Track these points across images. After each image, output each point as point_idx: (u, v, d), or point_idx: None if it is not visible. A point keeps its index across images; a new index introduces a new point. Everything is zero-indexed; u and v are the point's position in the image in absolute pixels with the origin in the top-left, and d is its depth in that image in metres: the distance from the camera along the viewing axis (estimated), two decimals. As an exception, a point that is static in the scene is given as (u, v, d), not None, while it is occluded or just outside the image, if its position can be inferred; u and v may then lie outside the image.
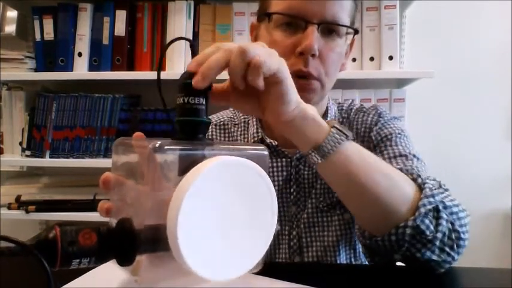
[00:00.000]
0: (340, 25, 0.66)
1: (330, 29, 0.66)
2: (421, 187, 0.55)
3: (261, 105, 0.50)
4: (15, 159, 1.51)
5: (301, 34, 0.65)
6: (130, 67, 1.46)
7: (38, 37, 1.48)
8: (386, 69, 1.39)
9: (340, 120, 0.80)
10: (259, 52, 0.43)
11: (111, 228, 0.37)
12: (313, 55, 0.64)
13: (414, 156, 0.69)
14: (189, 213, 0.34)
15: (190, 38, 1.44)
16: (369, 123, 0.76)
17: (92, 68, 1.47)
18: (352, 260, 0.76)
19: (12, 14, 1.57)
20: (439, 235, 0.53)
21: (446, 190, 0.59)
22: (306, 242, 0.74)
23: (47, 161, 1.48)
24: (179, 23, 1.44)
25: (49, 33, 1.48)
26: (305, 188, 0.74)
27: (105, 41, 1.46)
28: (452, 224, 0.54)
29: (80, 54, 1.47)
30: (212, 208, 0.36)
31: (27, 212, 1.46)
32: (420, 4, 1.50)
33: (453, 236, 0.53)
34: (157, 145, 0.36)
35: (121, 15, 1.46)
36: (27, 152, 1.49)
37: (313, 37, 0.63)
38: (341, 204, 0.73)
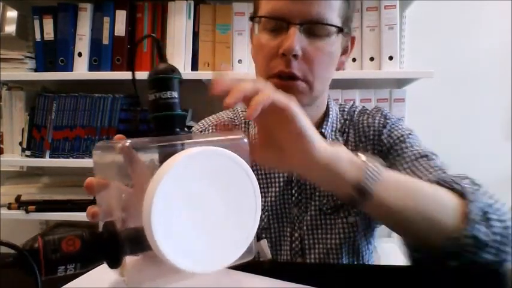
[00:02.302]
0: (324, 24, 0.65)
1: (314, 28, 0.65)
2: (461, 193, 0.55)
3: (288, 156, 0.48)
4: (15, 159, 1.51)
5: (285, 35, 0.64)
6: (131, 67, 1.46)
7: (38, 37, 1.48)
8: (386, 69, 1.39)
9: (342, 121, 0.79)
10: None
11: (94, 232, 0.37)
12: (295, 56, 0.64)
13: (432, 153, 0.69)
14: (164, 203, 0.33)
15: (190, 38, 1.44)
16: (377, 126, 0.76)
17: (92, 68, 1.47)
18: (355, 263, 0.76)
19: (12, 14, 1.57)
20: (494, 237, 0.52)
21: (479, 185, 0.59)
22: (308, 244, 0.73)
23: (47, 161, 1.48)
24: (179, 23, 1.44)
25: (49, 33, 1.48)
26: (307, 189, 0.74)
27: (105, 41, 1.46)
28: (501, 221, 0.54)
29: (80, 54, 1.47)
30: (189, 198, 0.35)
31: (27, 212, 1.46)
32: (420, 4, 1.50)
33: (506, 232, 0.53)
34: (129, 143, 0.35)
35: (121, 15, 1.46)
36: (27, 152, 1.49)
37: (294, 37, 0.63)
38: (345, 207, 0.73)
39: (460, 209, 0.53)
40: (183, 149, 0.37)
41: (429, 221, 0.52)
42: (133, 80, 0.45)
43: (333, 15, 0.66)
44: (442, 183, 0.58)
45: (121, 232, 0.36)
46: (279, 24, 0.65)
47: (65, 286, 0.44)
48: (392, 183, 0.51)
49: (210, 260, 0.37)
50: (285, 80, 0.65)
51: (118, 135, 0.44)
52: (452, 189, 0.56)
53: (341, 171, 0.48)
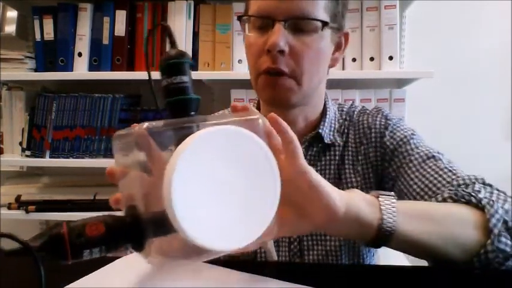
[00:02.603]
0: (308, 19, 0.65)
1: (299, 24, 0.66)
2: (479, 206, 0.55)
3: (307, 215, 0.45)
4: (15, 159, 1.51)
5: (271, 33, 0.65)
6: (130, 67, 1.46)
7: (38, 37, 1.48)
8: (386, 69, 1.39)
9: (341, 121, 0.79)
10: None
11: (116, 217, 0.37)
12: (281, 52, 0.65)
13: (438, 153, 0.69)
14: (183, 181, 0.34)
15: (190, 38, 1.44)
16: (378, 127, 0.75)
17: (92, 68, 1.47)
18: None
19: (12, 14, 1.57)
20: None
21: (490, 186, 0.59)
22: (307, 246, 0.73)
23: (47, 161, 1.48)
24: (179, 23, 1.44)
25: (49, 33, 1.48)
26: None
27: (105, 41, 1.46)
28: None
29: (80, 54, 1.47)
30: (208, 176, 0.35)
31: (27, 212, 1.46)
32: (420, 4, 1.50)
33: None
34: (146, 126, 0.36)
35: (121, 15, 1.46)
36: (27, 152, 1.49)
37: (279, 34, 0.64)
38: None
39: (481, 224, 0.53)
40: (199, 130, 0.37)
41: (453, 242, 0.52)
42: (149, 79, 0.44)
43: (319, 10, 0.66)
44: (456, 198, 0.57)
45: (143, 216, 0.36)
46: (265, 22, 0.66)
47: (67, 286, 0.44)
48: (411, 214, 0.51)
49: (232, 238, 0.37)
50: (273, 76, 0.66)
51: (134, 124, 0.44)
52: (468, 202, 0.56)
53: (362, 215, 0.47)
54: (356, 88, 1.44)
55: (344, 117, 0.79)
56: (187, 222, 0.34)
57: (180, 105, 0.41)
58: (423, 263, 0.56)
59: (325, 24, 0.67)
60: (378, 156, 0.74)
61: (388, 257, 0.97)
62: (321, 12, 0.66)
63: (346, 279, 0.52)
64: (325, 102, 0.78)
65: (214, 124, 0.37)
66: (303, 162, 0.43)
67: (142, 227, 0.36)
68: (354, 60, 1.42)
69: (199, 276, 0.48)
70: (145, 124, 0.36)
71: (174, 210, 0.33)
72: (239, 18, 0.71)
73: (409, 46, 1.49)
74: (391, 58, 1.39)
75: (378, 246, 0.49)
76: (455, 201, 0.57)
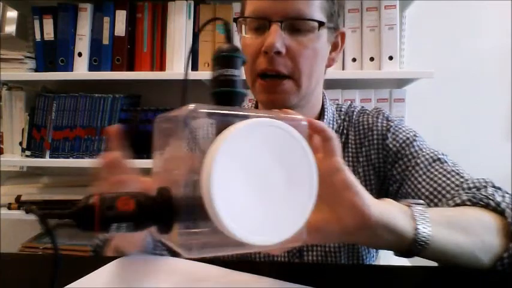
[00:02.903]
0: (303, 19, 0.65)
1: (295, 24, 0.66)
2: (497, 210, 0.55)
3: (339, 217, 0.43)
4: (15, 159, 1.51)
5: (267, 34, 0.65)
6: (130, 67, 1.46)
7: (38, 37, 1.48)
8: (386, 69, 1.39)
9: (339, 122, 0.78)
10: None
11: (148, 196, 0.37)
12: (278, 53, 0.64)
13: (442, 154, 0.69)
14: (222, 170, 0.33)
15: (190, 38, 1.44)
16: (380, 129, 0.75)
17: (92, 68, 1.47)
18: None
19: (12, 14, 1.57)
20: None
21: (499, 189, 0.60)
22: (306, 246, 0.72)
23: (47, 161, 1.48)
24: (179, 23, 1.44)
25: (49, 33, 1.48)
26: None
27: (105, 41, 1.46)
28: None
29: (80, 54, 1.47)
30: (246, 167, 0.35)
31: (27, 212, 1.46)
32: (420, 4, 1.50)
33: None
34: (194, 107, 0.35)
35: (121, 15, 1.46)
36: (27, 152, 1.49)
37: (275, 34, 0.63)
38: None
39: (502, 227, 0.53)
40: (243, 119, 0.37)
41: (482, 248, 0.52)
42: (185, 79, 0.45)
43: (315, 10, 0.66)
44: (474, 201, 0.57)
45: (176, 199, 0.36)
46: (261, 23, 0.66)
47: (67, 286, 0.44)
48: (441, 222, 0.49)
49: (266, 232, 0.36)
50: (270, 80, 0.66)
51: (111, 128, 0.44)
52: (486, 206, 0.56)
53: (397, 225, 0.45)
54: (356, 88, 1.44)
55: (343, 117, 0.79)
56: (224, 212, 0.33)
57: (226, 96, 0.41)
58: (424, 263, 0.56)
59: (321, 24, 0.66)
60: (380, 159, 0.74)
61: (388, 257, 0.97)
62: (317, 12, 0.66)
63: (346, 279, 0.52)
64: (323, 102, 0.78)
65: (257, 117, 0.37)
66: (340, 160, 0.43)
67: (172, 210, 0.36)
68: (354, 60, 1.42)
69: (199, 276, 0.48)
70: (193, 105, 0.36)
71: (212, 200, 0.33)
72: (235, 20, 0.71)
73: (409, 46, 1.49)
74: (391, 58, 1.39)
75: (409, 256, 0.48)
76: (473, 204, 0.57)
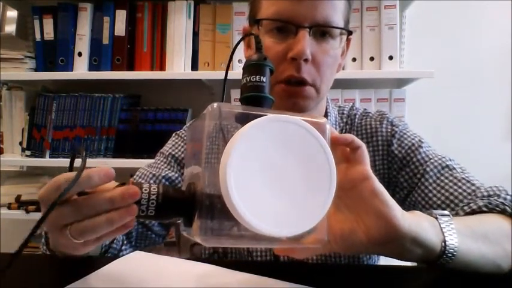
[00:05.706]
0: (333, 27, 0.64)
1: (322, 31, 0.64)
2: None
3: (366, 226, 0.43)
4: (15, 159, 1.51)
5: (293, 39, 0.62)
6: (130, 67, 1.46)
7: (38, 37, 1.48)
8: (386, 69, 1.39)
9: (342, 125, 0.77)
10: None
11: (176, 189, 0.40)
12: (305, 60, 0.62)
13: (450, 160, 0.69)
14: (239, 164, 0.34)
15: (190, 37, 1.44)
16: (385, 135, 0.74)
17: (92, 68, 1.47)
18: None
19: (12, 14, 1.57)
20: None
21: (511, 195, 0.60)
22: None
23: (47, 161, 1.48)
24: (179, 23, 1.44)
25: (49, 33, 1.48)
26: None
27: (105, 41, 1.46)
28: None
29: (80, 54, 1.47)
30: (264, 161, 0.36)
31: (27, 212, 1.46)
32: (420, 4, 1.50)
33: None
34: (218, 105, 0.38)
35: (121, 15, 1.46)
36: (27, 152, 1.49)
37: (305, 41, 0.61)
38: None
39: None
40: None
41: (503, 256, 0.52)
42: (225, 80, 0.49)
43: (339, 17, 0.65)
44: (491, 207, 0.57)
45: (199, 194, 0.38)
46: (285, 27, 0.63)
47: (68, 286, 0.44)
48: (465, 232, 0.49)
49: (284, 225, 0.36)
50: (294, 86, 0.64)
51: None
52: (502, 212, 0.56)
53: (428, 239, 0.44)
54: (356, 88, 1.44)
55: (345, 120, 0.78)
56: (240, 203, 0.34)
57: (254, 100, 0.43)
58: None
59: (349, 33, 0.66)
60: (385, 165, 0.73)
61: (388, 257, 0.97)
62: (340, 18, 0.65)
63: (346, 279, 0.52)
64: (326, 106, 0.77)
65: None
66: (369, 168, 0.42)
67: (195, 205, 0.38)
68: (354, 60, 1.42)
69: (200, 276, 0.48)
70: (217, 103, 0.38)
71: (228, 190, 0.34)
72: (256, 21, 0.66)
73: (409, 46, 1.49)
74: (391, 58, 1.39)
75: (436, 267, 0.47)
76: (490, 210, 0.57)
